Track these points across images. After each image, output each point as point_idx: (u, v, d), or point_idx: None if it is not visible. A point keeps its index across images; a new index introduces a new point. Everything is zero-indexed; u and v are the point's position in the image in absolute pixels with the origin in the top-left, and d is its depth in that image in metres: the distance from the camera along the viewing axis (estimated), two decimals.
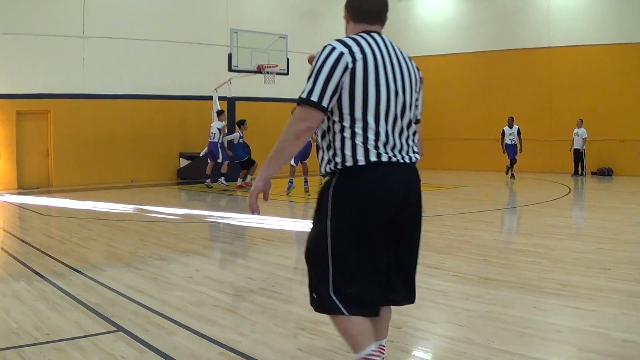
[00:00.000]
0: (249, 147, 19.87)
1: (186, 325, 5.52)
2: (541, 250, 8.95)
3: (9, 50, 19.84)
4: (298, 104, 3.42)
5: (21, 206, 15.68)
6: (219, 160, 19.30)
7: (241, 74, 21.39)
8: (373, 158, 3.40)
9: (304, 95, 3.40)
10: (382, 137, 3.44)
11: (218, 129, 19.44)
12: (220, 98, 21.74)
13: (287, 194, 17.37)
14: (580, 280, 7.12)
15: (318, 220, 3.59)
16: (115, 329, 5.43)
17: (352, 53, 3.40)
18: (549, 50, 25.30)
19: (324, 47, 3.47)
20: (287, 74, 22.19)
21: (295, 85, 24.71)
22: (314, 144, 17.48)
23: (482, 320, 5.64)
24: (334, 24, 28.27)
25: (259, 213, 3.63)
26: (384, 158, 3.43)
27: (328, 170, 3.54)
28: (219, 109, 20.70)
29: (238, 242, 10.97)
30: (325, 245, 3.48)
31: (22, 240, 10.49)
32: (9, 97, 19.84)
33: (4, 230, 12.08)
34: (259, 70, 21.46)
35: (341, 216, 3.45)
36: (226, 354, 4.83)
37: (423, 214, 3.72)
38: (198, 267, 8.36)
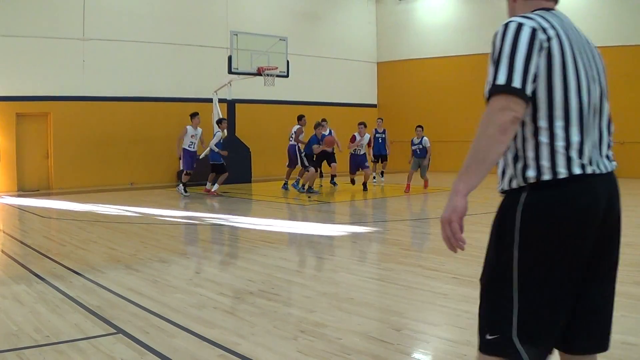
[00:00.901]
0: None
1: (186, 328, 5.51)
2: None
3: (9, 52, 19.84)
4: (492, 94, 2.69)
5: (21, 208, 15.67)
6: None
7: (241, 76, 21.41)
8: (576, 170, 2.66)
9: (501, 82, 2.62)
10: (586, 140, 2.71)
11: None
12: (220, 100, 21.75)
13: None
14: None
15: (501, 247, 2.82)
16: (115, 331, 5.43)
17: (543, 29, 2.65)
18: None
19: (507, 25, 2.70)
20: (287, 76, 22.20)
21: (295, 88, 25.01)
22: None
23: None
24: (333, 27, 28.43)
25: (464, 244, 2.74)
26: (588, 170, 2.69)
27: (514, 186, 2.80)
28: (220, 117, 20.38)
29: (238, 244, 10.96)
30: (509, 277, 2.73)
31: (22, 243, 10.50)
32: (9, 100, 19.84)
33: (4, 232, 12.06)
34: (258, 73, 21.47)
35: (534, 244, 2.68)
36: (226, 356, 4.83)
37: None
38: (198, 269, 8.36)
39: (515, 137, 2.76)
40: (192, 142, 18.21)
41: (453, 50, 27.88)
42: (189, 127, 18.19)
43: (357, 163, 19.18)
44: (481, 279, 2.95)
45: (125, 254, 9.29)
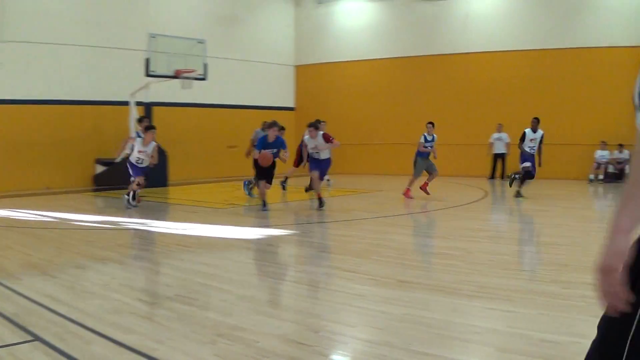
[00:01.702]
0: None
1: (103, 334, 5.40)
2: (458, 253, 9.10)
3: None
4: None
5: None
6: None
7: (159, 79, 21.17)
8: None
9: None
10: None
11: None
12: (138, 103, 21.45)
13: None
14: (498, 282, 7.26)
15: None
16: (32, 338, 5.28)
17: None
18: (467, 56, 25.83)
19: None
20: (204, 79, 22.06)
21: (213, 91, 24.84)
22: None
23: (400, 323, 5.69)
24: (252, 29, 28.32)
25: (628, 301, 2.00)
26: None
27: None
28: (140, 116, 19.47)
29: (154, 248, 10.82)
30: (626, 332, 2.06)
31: None
32: None
33: None
34: (176, 76, 21.28)
35: None
36: None
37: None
38: (114, 275, 8.21)
39: None
40: (141, 159, 15.96)
41: (372, 54, 28.21)
42: (138, 140, 16.06)
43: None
44: (599, 332, 2.25)
45: (41, 260, 9.05)
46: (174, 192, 20.55)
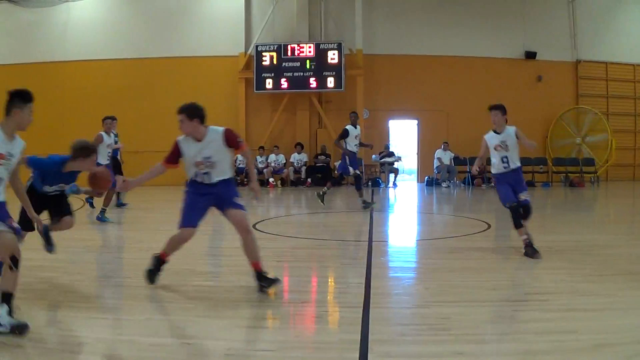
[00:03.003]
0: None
1: None
2: (59, 265, 8.53)
3: None
4: None
5: None
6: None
7: None
8: None
9: None
10: None
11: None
12: None
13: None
14: (102, 291, 7.21)
15: None
16: None
17: None
18: (65, 64, 25.26)
19: None
20: None
21: None
22: None
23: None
24: None
25: None
26: None
27: None
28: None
29: None
30: None
31: None
32: None
33: None
34: None
35: None
36: None
37: None
38: None
39: None
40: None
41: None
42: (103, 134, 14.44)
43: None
44: None
45: None
46: None
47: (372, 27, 26.68)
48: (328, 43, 25.68)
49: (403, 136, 28.91)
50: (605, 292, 6.83)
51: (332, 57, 25.37)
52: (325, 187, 16.23)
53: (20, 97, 5.57)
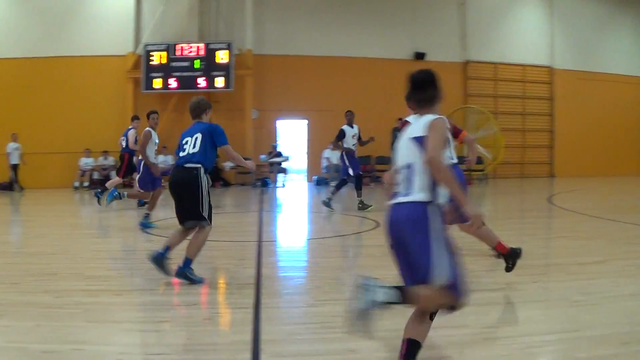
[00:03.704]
0: None
1: None
2: None
3: None
4: None
5: None
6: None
7: None
8: None
9: None
10: None
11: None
12: None
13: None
14: None
15: None
16: None
17: None
18: None
19: None
20: None
21: None
22: None
23: None
24: None
25: None
26: None
27: None
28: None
29: None
30: None
31: None
32: None
33: None
34: None
35: None
36: None
37: None
38: None
39: None
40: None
41: None
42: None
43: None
44: None
45: None
46: None
47: (262, 27, 26.89)
48: (218, 43, 25.65)
49: (292, 136, 29.15)
50: (495, 286, 7.17)
51: (222, 57, 25.35)
52: (330, 193, 16.10)
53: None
